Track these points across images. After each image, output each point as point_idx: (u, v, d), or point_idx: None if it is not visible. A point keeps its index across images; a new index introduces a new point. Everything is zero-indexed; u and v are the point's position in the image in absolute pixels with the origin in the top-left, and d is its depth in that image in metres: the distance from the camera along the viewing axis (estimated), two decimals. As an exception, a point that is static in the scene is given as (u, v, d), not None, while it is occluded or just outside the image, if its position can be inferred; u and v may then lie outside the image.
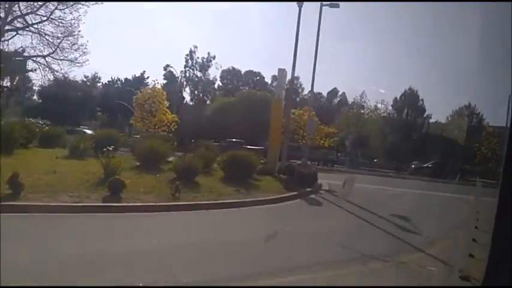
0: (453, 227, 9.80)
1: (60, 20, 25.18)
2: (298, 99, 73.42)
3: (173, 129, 36.92)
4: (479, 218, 8.89)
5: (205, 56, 65.42)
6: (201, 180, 12.01)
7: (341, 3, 21.04)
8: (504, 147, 2.38)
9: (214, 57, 64.87)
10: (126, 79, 68.23)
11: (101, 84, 73.08)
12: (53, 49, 26.40)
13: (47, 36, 25.80)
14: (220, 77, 71.03)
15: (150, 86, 39.95)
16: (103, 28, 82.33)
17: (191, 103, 65.59)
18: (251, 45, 69.66)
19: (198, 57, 65.99)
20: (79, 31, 26.34)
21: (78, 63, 26.89)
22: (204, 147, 16.51)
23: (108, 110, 60.77)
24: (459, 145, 34.35)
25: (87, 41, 27.76)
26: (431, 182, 23.90)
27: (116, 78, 71.37)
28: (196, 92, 69.05)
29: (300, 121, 35.19)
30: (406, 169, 35.20)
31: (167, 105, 36.02)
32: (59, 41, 26.05)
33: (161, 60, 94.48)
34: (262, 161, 14.95)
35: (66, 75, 61.93)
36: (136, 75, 68.17)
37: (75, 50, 26.38)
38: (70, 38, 26.14)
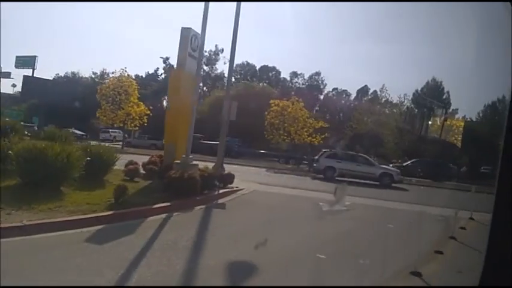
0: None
1: None
2: (321, 96, 67.58)
3: (145, 124, 32.91)
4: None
5: (213, 49, 60.44)
6: None
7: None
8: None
9: (222, 51, 59.78)
10: (137, 76, 64.80)
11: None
12: None
13: None
14: (233, 72, 66.21)
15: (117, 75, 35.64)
16: (115, 26, 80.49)
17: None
18: (267, 41, 64.42)
19: (205, 51, 61.67)
20: None
21: None
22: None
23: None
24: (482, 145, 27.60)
25: None
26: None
27: (126, 75, 68.25)
28: (205, 87, 64.73)
29: (286, 114, 29.63)
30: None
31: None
32: None
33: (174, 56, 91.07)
34: (88, 158, 9.84)
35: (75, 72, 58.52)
36: (150, 72, 64.86)
37: None
38: None
